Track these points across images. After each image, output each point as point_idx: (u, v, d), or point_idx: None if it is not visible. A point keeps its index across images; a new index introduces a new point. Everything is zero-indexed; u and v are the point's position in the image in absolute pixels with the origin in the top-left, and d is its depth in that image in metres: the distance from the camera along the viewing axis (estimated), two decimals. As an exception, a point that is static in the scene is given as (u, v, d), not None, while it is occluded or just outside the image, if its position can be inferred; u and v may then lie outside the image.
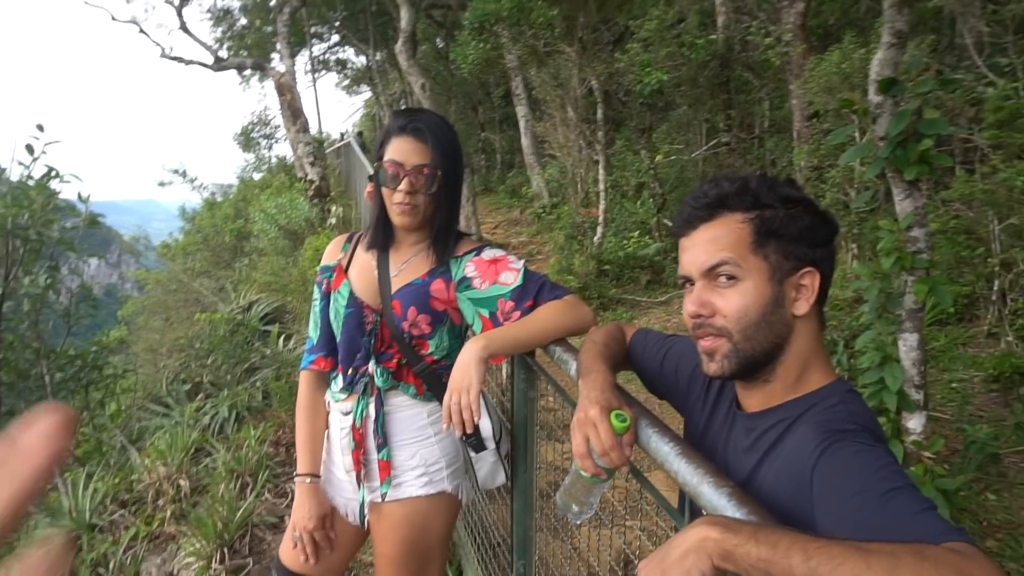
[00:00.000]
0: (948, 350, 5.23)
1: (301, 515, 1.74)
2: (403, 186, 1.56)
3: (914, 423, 3.10)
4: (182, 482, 3.88)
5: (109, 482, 4.17)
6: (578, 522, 1.19)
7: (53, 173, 4.45)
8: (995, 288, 5.33)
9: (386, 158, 1.59)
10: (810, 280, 1.00)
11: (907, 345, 3.03)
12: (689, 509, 1.04)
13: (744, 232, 0.99)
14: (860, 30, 7.45)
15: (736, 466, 1.04)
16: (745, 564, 0.72)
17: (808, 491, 0.85)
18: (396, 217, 1.61)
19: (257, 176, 21.44)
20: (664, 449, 1.03)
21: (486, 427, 1.68)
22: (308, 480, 1.76)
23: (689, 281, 1.05)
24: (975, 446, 3.78)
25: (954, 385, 4.77)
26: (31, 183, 4.40)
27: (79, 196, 4.84)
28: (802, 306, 1.00)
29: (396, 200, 1.58)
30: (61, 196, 4.58)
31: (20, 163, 4.35)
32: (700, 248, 1.02)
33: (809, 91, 6.54)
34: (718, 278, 1.00)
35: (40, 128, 4.34)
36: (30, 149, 4.32)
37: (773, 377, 1.02)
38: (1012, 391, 4.53)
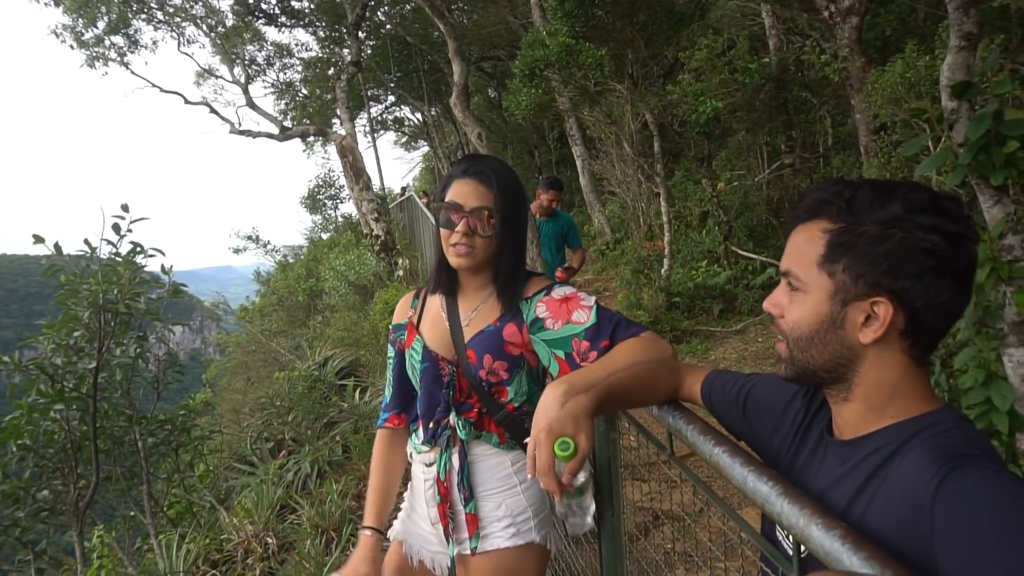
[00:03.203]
0: (1057, 363, 4.86)
1: (351, 563, 1.74)
2: (460, 227, 1.56)
3: (1030, 445, 2.87)
4: (269, 540, 3.94)
5: (200, 543, 4.27)
6: (578, 532, 1.35)
7: (138, 249, 4.71)
8: (1103, 293, 4.95)
9: (446, 199, 1.59)
10: (883, 311, 0.90)
11: (1013, 361, 2.83)
12: (798, 556, 0.97)
13: (817, 244, 0.94)
14: (921, 38, 7.21)
15: (831, 497, 0.96)
16: None
17: (926, 522, 0.77)
18: (452, 259, 1.60)
19: (325, 236, 22.22)
20: (763, 489, 0.96)
21: (570, 473, 1.64)
22: (369, 533, 1.77)
23: None
24: (1102, 467, 3.46)
25: (1068, 400, 4.41)
26: (119, 260, 4.66)
27: (162, 268, 5.10)
28: (868, 334, 0.91)
29: (453, 241, 1.58)
30: (146, 269, 4.83)
31: (108, 241, 4.62)
32: (787, 250, 1.01)
33: (873, 104, 6.34)
34: (789, 283, 0.99)
35: (125, 208, 4.61)
36: (116, 228, 4.59)
37: (852, 397, 0.96)
38: None
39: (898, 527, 0.82)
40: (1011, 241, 2.76)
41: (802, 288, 0.96)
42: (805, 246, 0.96)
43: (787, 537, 1.08)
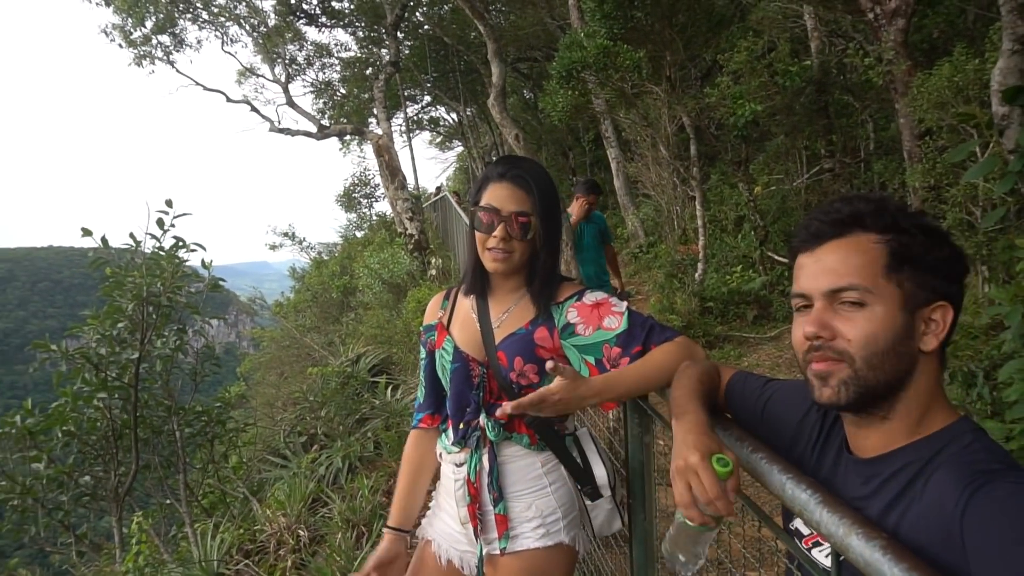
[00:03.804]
0: (1108, 378, 4.69)
1: (371, 559, 1.78)
2: (498, 232, 1.55)
3: (1077, 462, 2.77)
4: (301, 532, 3.99)
5: (234, 532, 4.35)
6: (687, 574, 1.12)
7: (180, 244, 4.81)
8: None
9: (483, 203, 1.58)
10: (942, 315, 0.92)
11: (1061, 374, 2.74)
12: (837, 567, 0.95)
13: (878, 253, 0.92)
14: (970, 40, 7.02)
15: None
16: None
17: (957, 543, 0.77)
18: (489, 264, 1.59)
19: (360, 234, 22.41)
20: (802, 497, 0.95)
21: (600, 474, 1.65)
22: (388, 531, 1.83)
23: (804, 299, 0.97)
24: None
25: (1120, 417, 4.25)
26: (162, 254, 4.77)
27: (202, 263, 5.20)
28: (931, 341, 0.92)
29: (490, 246, 1.57)
30: (187, 264, 4.94)
31: (152, 236, 4.74)
32: (824, 267, 0.95)
33: (918, 108, 6.18)
34: (842, 302, 0.93)
35: (169, 204, 4.72)
36: (160, 223, 4.70)
37: (892, 415, 0.94)
38: None
39: (928, 547, 0.81)
40: (1062, 251, 2.67)
41: (867, 301, 0.92)
42: (860, 258, 0.93)
43: (809, 550, 1.06)
